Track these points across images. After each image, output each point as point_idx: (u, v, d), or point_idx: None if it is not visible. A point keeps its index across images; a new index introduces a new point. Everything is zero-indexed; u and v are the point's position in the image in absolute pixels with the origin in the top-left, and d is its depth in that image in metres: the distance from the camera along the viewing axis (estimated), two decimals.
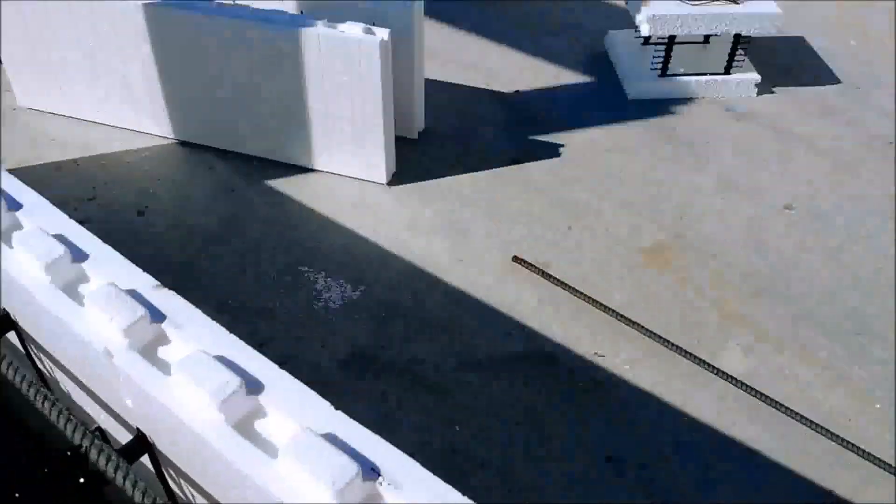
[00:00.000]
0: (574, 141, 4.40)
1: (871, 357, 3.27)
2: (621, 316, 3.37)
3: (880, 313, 3.48)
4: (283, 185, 4.07)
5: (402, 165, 4.12)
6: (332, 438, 1.18)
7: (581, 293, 3.47)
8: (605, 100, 4.74)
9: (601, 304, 3.42)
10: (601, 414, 3.06)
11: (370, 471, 1.15)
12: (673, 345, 3.26)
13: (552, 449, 2.92)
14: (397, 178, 4.09)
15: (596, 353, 3.28)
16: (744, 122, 4.59)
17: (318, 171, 4.12)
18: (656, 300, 3.50)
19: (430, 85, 4.44)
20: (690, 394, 3.12)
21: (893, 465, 2.84)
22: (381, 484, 1.13)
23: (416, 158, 4.21)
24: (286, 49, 3.68)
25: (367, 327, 3.35)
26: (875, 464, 2.86)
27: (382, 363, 3.21)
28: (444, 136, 4.39)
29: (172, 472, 1.49)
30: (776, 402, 3.06)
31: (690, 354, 3.23)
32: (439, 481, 1.13)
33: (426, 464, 1.17)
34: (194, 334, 1.39)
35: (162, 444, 1.44)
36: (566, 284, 3.51)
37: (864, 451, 2.89)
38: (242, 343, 1.38)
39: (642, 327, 3.33)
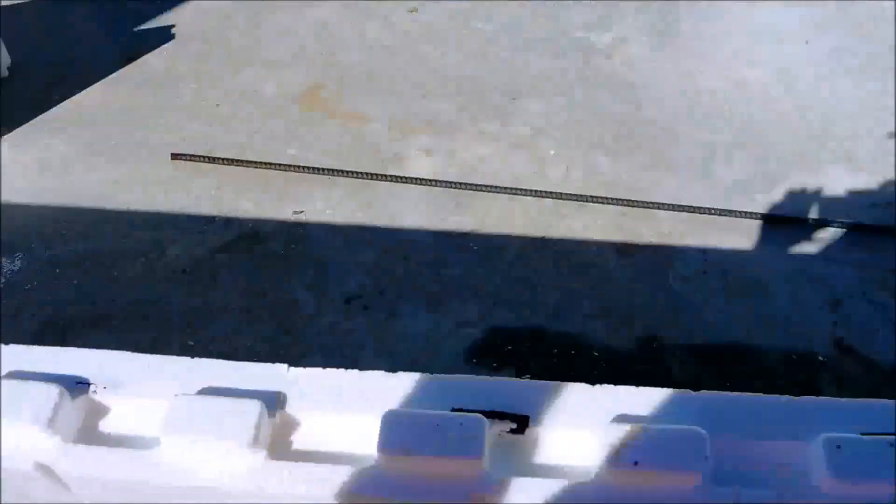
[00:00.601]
0: (184, 15, 4.21)
1: (527, 112, 3.69)
2: (301, 167, 3.40)
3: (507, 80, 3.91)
4: None
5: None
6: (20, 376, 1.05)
7: (255, 162, 3.42)
8: None
9: (280, 165, 3.41)
10: (315, 265, 3.12)
11: (76, 384, 1.06)
12: (362, 174, 3.37)
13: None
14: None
15: (294, 213, 3.30)
16: None
17: None
18: (328, 140, 3.57)
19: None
20: (396, 207, 3.29)
21: (583, 194, 3.31)
22: (94, 392, 1.04)
23: (14, 96, 3.76)
24: None
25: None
26: (573, 199, 3.30)
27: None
28: (44, 64, 3.95)
29: None
30: (472, 184, 3.34)
31: (382, 175, 3.37)
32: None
33: None
34: None
35: None
36: (236, 160, 3.44)
37: (559, 193, 3.31)
38: None
39: (327, 170, 3.39)
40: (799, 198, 3.45)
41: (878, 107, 3.86)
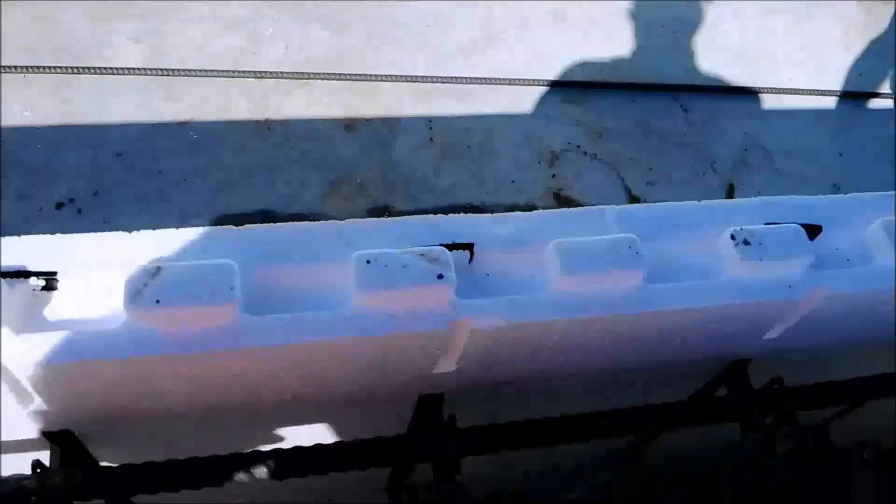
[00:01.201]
0: None
1: None
2: None
3: None
4: None
5: None
6: None
7: None
8: None
9: None
10: (18, 172, 3.00)
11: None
12: (61, 68, 3.22)
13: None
14: None
15: None
16: None
17: None
18: (19, 34, 3.35)
19: None
20: (105, 102, 3.19)
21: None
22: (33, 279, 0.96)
23: None
24: None
25: None
26: (294, 77, 3.35)
27: None
28: None
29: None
30: (186, 70, 3.30)
31: (83, 68, 3.24)
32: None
33: None
34: None
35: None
36: None
37: (280, 72, 3.35)
38: None
39: (21, 67, 3.21)
40: (512, 60, 3.73)
41: None
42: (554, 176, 3.42)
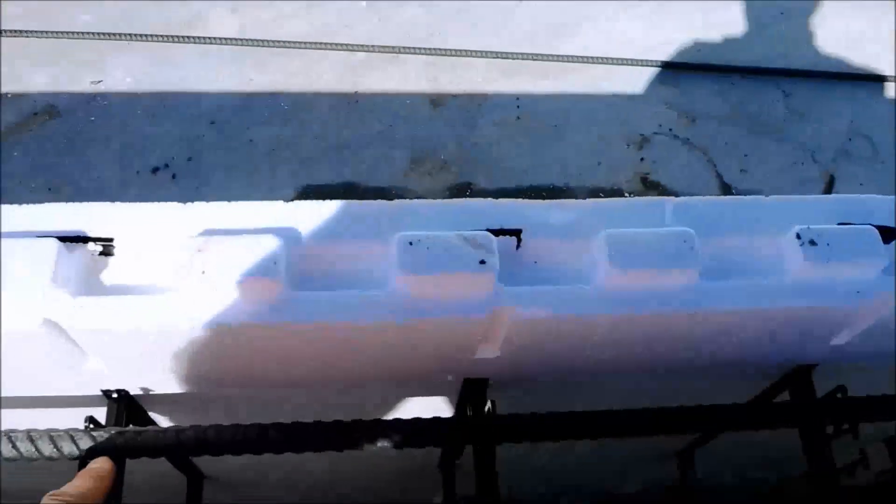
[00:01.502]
0: None
1: None
2: (97, 34, 3.33)
3: None
4: None
5: None
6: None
7: (45, 31, 3.33)
8: None
9: (74, 33, 3.33)
10: (118, 137, 3.13)
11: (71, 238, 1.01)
12: (162, 37, 3.34)
13: None
14: None
15: (92, 83, 3.26)
16: None
17: None
18: (123, 3, 3.49)
19: None
20: (200, 71, 3.29)
21: None
22: (91, 244, 1.01)
23: None
24: None
25: None
26: (385, 51, 3.37)
27: None
28: None
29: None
30: (279, 41, 3.37)
31: (183, 37, 3.35)
32: None
33: None
34: None
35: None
36: (23, 31, 3.34)
37: (370, 46, 3.37)
38: None
39: (125, 35, 3.34)
40: (605, 40, 3.63)
41: None
42: (642, 160, 3.32)
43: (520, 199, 1.05)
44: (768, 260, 1.05)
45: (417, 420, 1.03)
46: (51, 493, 0.86)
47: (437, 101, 3.33)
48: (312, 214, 1.02)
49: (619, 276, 0.97)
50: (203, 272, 0.92)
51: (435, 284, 0.95)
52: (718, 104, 3.55)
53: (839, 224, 1.04)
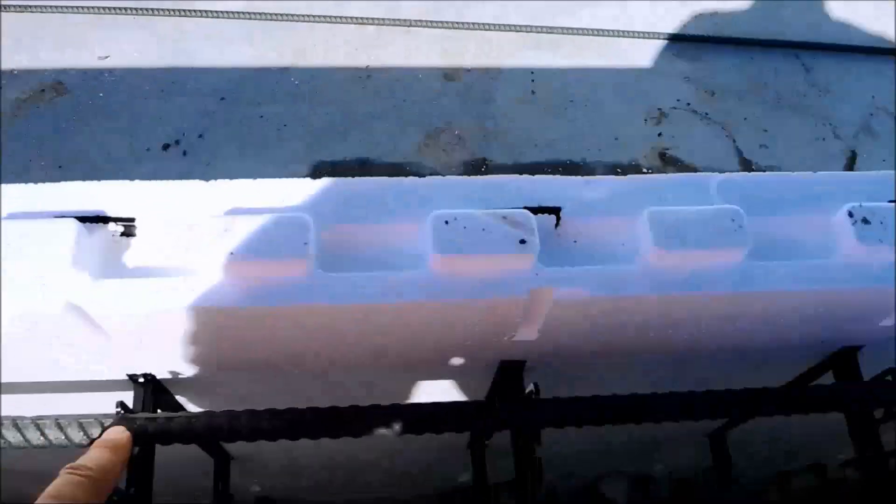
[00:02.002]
0: None
1: None
2: (103, 9, 3.27)
3: None
4: None
5: None
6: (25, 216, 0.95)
7: (51, 6, 3.28)
8: None
9: (80, 8, 3.28)
10: (127, 112, 3.08)
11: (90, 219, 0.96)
12: (170, 10, 3.28)
13: None
14: None
15: (100, 58, 3.21)
16: None
17: None
18: None
19: None
20: (209, 45, 3.24)
21: None
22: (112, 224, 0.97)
23: None
24: None
25: None
26: (397, 24, 3.30)
27: None
28: None
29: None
30: (290, 14, 3.30)
31: (191, 11, 3.29)
32: None
33: None
34: None
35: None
36: (30, 7, 3.29)
37: (382, 19, 3.31)
38: None
39: (132, 9, 3.28)
40: (622, 12, 3.56)
41: None
42: (660, 135, 3.26)
43: (557, 176, 1.01)
44: (817, 239, 1.00)
45: (461, 404, 0.99)
46: (68, 466, 0.82)
47: (450, 75, 3.27)
48: (340, 192, 0.98)
49: (664, 256, 0.93)
50: (231, 252, 0.88)
51: (472, 265, 0.91)
52: (738, 78, 3.48)
53: (890, 202, 0.99)
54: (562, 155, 3.19)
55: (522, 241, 0.90)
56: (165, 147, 2.98)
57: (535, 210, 0.95)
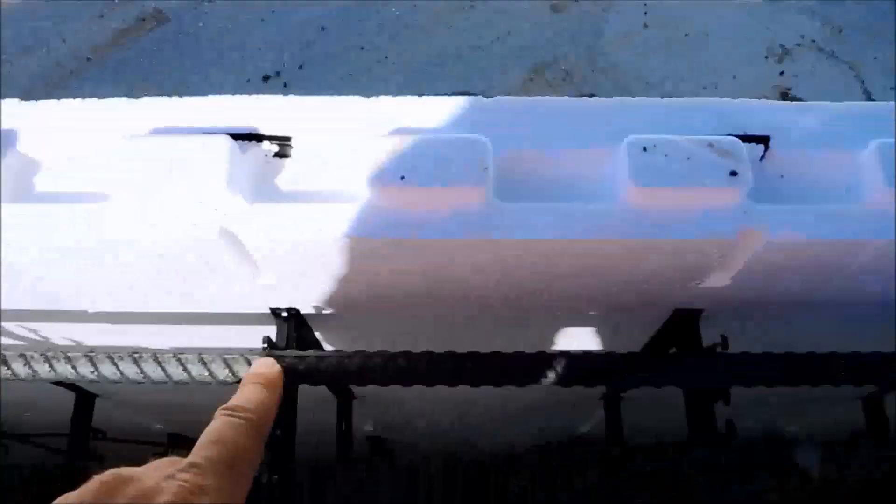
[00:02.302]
0: None
1: None
2: None
3: None
4: None
5: None
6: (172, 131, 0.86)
7: None
8: None
9: None
10: (228, 43, 3.02)
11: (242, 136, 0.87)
12: None
13: None
14: None
15: None
16: None
17: None
18: None
19: None
20: None
21: None
22: (266, 143, 0.89)
23: None
24: None
25: None
26: None
27: None
28: None
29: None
30: None
31: None
32: None
33: None
34: None
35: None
36: None
37: None
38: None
39: None
40: None
41: None
42: (782, 73, 3.03)
43: (764, 100, 0.87)
44: None
45: (637, 355, 0.89)
46: (224, 407, 0.72)
47: (558, 6, 3.09)
48: (516, 112, 0.87)
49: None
50: (402, 177, 0.78)
51: (675, 198, 0.79)
52: (868, 14, 3.20)
53: None
54: (674, 93, 2.99)
55: (733, 173, 0.77)
56: (265, 78, 2.91)
57: (742, 138, 0.82)
